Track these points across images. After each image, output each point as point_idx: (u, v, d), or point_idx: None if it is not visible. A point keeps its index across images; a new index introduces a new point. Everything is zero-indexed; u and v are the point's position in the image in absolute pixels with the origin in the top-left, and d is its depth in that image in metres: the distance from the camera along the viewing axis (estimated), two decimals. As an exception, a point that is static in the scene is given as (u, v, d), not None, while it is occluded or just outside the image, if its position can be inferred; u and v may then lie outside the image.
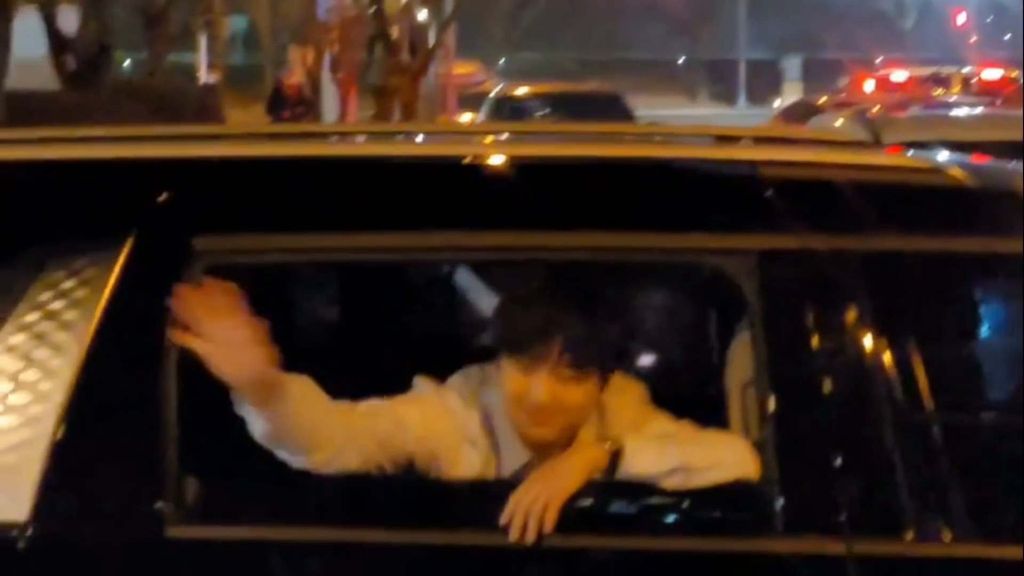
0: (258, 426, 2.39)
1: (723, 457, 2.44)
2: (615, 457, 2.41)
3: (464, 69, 31.97)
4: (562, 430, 2.56)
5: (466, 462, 2.61)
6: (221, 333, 2.29)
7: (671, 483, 2.39)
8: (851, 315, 2.38)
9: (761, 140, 2.85)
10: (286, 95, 18.52)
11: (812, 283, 2.40)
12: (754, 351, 2.41)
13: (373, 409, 2.56)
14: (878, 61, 35.83)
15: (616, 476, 2.40)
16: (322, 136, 2.96)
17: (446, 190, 2.53)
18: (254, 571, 2.35)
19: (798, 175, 2.58)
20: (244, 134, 3.13)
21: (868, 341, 2.36)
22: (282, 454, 2.44)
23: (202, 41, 26.95)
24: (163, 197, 2.45)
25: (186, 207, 2.46)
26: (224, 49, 27.01)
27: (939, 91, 25.99)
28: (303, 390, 2.42)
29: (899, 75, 31.01)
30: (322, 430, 2.44)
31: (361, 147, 2.73)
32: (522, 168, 2.56)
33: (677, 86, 42.48)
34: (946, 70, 30.19)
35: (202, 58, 26.79)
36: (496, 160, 2.61)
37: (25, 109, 13.74)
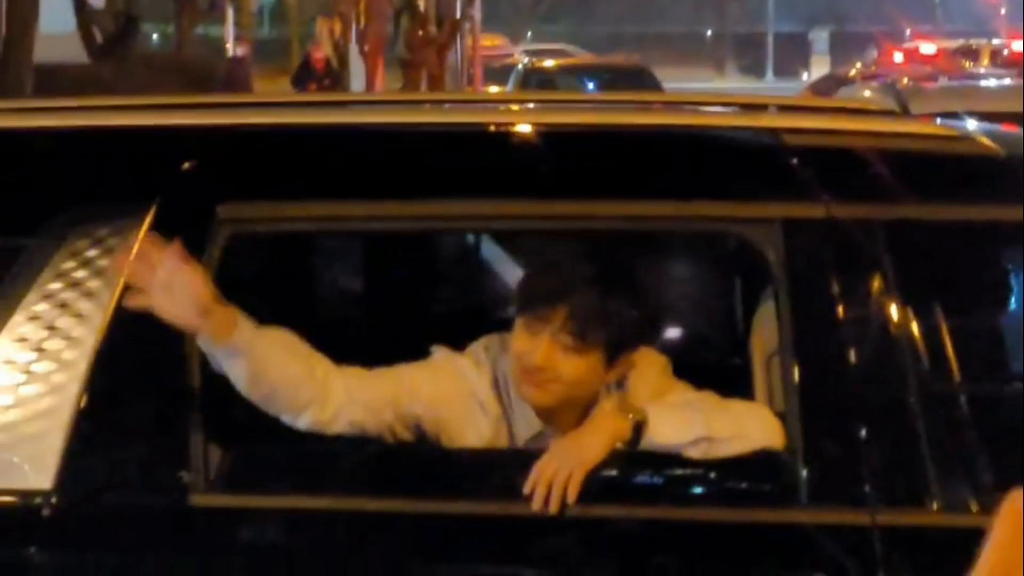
0: (235, 370, 2.37)
1: (747, 427, 2.43)
2: (639, 428, 2.40)
3: (491, 42, 31.91)
4: (559, 399, 2.54)
5: (474, 428, 2.61)
6: (157, 280, 2.30)
7: (695, 453, 2.38)
8: (877, 284, 2.36)
9: (786, 108, 2.82)
10: (313, 68, 18.51)
11: (838, 252, 2.38)
12: (779, 321, 2.39)
13: (381, 372, 2.56)
14: (907, 33, 35.59)
15: (640, 447, 2.40)
16: (346, 104, 2.94)
17: (470, 158, 2.52)
18: (278, 540, 2.36)
19: (823, 143, 2.55)
20: (268, 102, 3.12)
21: (894, 311, 2.35)
22: (282, 414, 2.43)
23: (230, 14, 26.95)
24: (187, 165, 2.45)
25: (210, 175, 2.46)
26: (252, 22, 26.99)
27: (968, 63, 25.83)
28: (278, 336, 2.42)
29: (928, 47, 30.84)
30: (312, 383, 2.43)
31: (385, 114, 2.71)
32: (545, 137, 2.55)
33: (705, 59, 42.31)
34: (975, 42, 30.00)
35: (230, 31, 26.79)
36: (519, 129, 2.60)
37: (53, 82, 13.77)
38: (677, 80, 26.86)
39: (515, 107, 2.86)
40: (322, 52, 19.07)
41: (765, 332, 2.57)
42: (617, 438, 2.41)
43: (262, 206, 2.45)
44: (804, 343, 2.35)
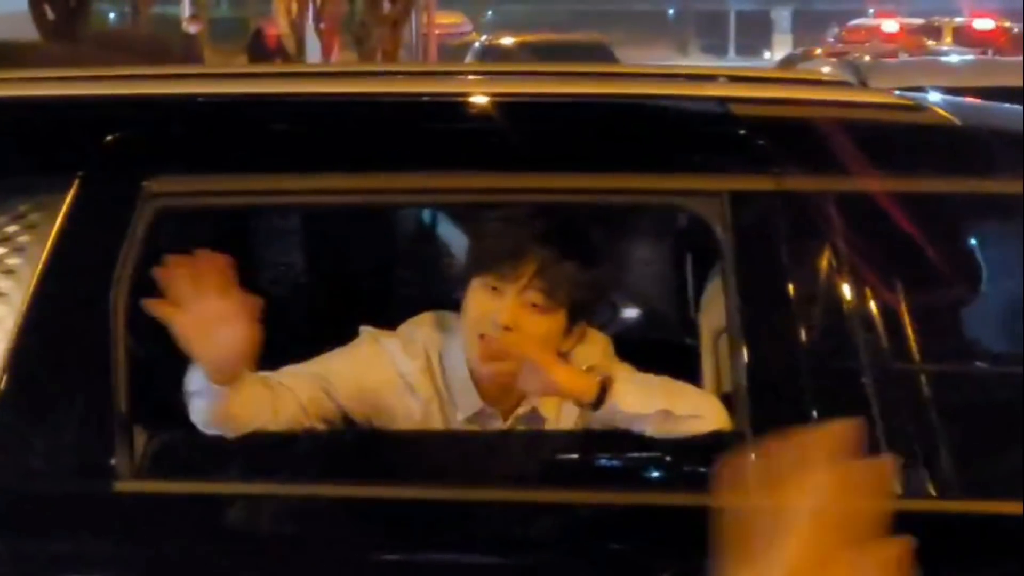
0: (209, 404, 2.29)
1: (702, 407, 2.35)
2: (603, 389, 2.32)
3: (448, 19, 31.70)
4: (515, 370, 2.46)
5: (405, 412, 2.53)
6: (203, 308, 2.19)
7: (652, 427, 2.30)
8: (828, 259, 2.27)
9: (737, 79, 2.73)
10: (267, 44, 18.34)
11: (788, 226, 2.29)
12: (726, 298, 2.31)
13: (297, 373, 2.47)
14: (870, 12, 35.62)
15: (602, 408, 2.31)
16: (279, 75, 2.84)
17: (415, 129, 2.42)
18: (205, 526, 2.26)
19: (773, 112, 2.47)
20: (198, 73, 3.01)
21: (846, 287, 2.26)
22: (205, 428, 2.34)
23: (186, -8, 26.72)
24: (111, 137, 2.34)
25: (136, 147, 2.35)
26: (208, 1, 26.77)
27: (931, 41, 25.87)
28: (254, 378, 2.35)
29: (890, 25, 30.88)
30: (254, 413, 2.36)
31: (322, 84, 2.61)
32: (489, 107, 2.45)
33: (667, 38, 42.23)
34: (938, 20, 30.04)
35: (186, 10, 26.55)
36: (465, 99, 2.49)
37: (4, 59, 13.56)
38: (639, 59, 26.78)
39: (461, 77, 2.75)
40: (275, 28, 18.88)
41: (713, 310, 2.49)
42: (583, 392, 2.33)
43: (191, 180, 2.35)
44: (752, 321, 2.27)
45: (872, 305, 2.25)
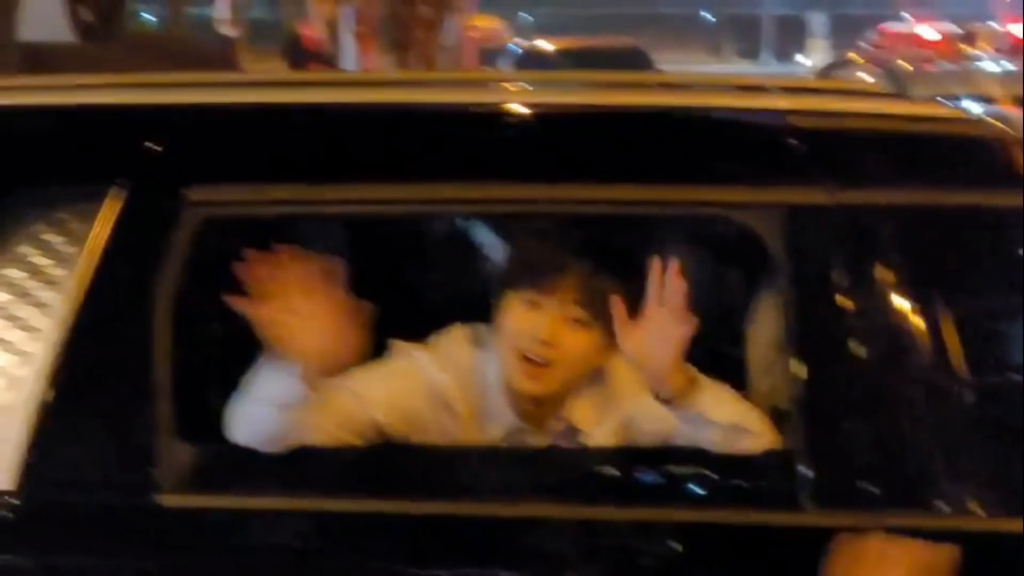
0: (277, 413, 2.25)
1: (759, 422, 2.31)
2: (690, 387, 2.26)
3: (484, 23, 31.70)
4: (554, 387, 2.41)
5: (438, 428, 2.48)
6: (298, 304, 2.17)
7: (722, 437, 2.26)
8: (884, 274, 2.23)
9: (788, 90, 2.69)
10: (305, 47, 18.34)
11: (844, 240, 2.25)
12: (780, 312, 2.26)
13: (331, 390, 2.42)
14: (905, 17, 35.43)
15: (683, 407, 2.26)
16: (324, 84, 2.80)
17: (458, 140, 2.38)
18: (248, 542, 2.23)
19: (829, 125, 2.42)
20: (243, 82, 2.98)
21: (902, 301, 2.22)
22: (241, 437, 2.31)
23: (222, -5, 26.77)
24: (154, 145, 2.31)
25: (179, 156, 2.32)
26: (244, 3, 26.83)
27: (966, 47, 25.73)
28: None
29: (927, 31, 30.72)
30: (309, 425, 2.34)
31: (367, 93, 2.57)
32: (537, 117, 2.41)
33: (701, 42, 42.13)
34: (973, 26, 29.87)
35: (222, 12, 26.59)
36: (511, 109, 2.44)
37: (39, 61, 13.58)
38: (673, 63, 26.73)
39: (507, 87, 2.71)
40: (312, 31, 18.89)
41: (763, 324, 2.44)
42: (675, 378, 2.27)
43: (234, 189, 2.32)
44: (806, 336, 2.23)
45: (929, 321, 2.21)
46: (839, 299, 2.22)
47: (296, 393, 2.25)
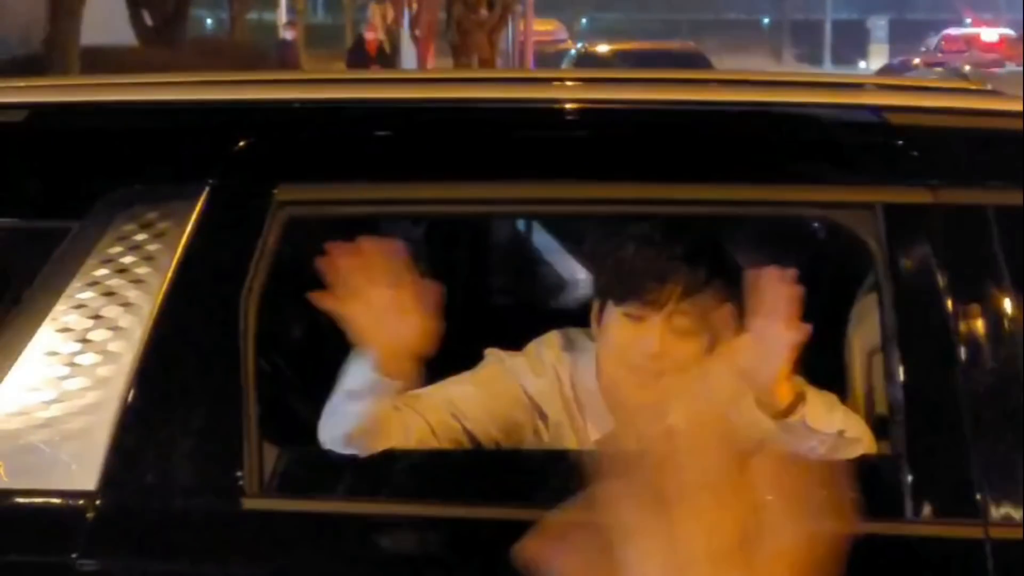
0: (360, 407, 2.21)
1: (861, 429, 2.26)
2: (797, 400, 2.22)
3: (544, 27, 31.68)
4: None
5: (533, 434, 2.46)
6: (374, 296, 2.13)
7: (827, 446, 2.20)
8: (987, 274, 2.16)
9: (886, 88, 2.62)
10: (367, 51, 18.39)
11: (945, 239, 2.19)
12: (881, 315, 2.20)
13: (422, 397, 2.40)
14: (967, 21, 35.13)
15: (790, 419, 2.22)
16: (415, 81, 2.76)
17: (544, 137, 2.33)
18: (334, 546, 2.19)
19: (929, 122, 2.35)
20: (328, 79, 2.95)
21: (1006, 302, 2.16)
22: (327, 434, 2.27)
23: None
24: (242, 144, 2.28)
25: (267, 154, 2.29)
26: (304, 7, 26.94)
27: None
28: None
29: (989, 34, 30.45)
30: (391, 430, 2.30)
31: (455, 90, 2.52)
32: (629, 115, 2.36)
33: (762, 46, 41.95)
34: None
35: (282, 16, 26.73)
36: (600, 106, 2.39)
37: (100, 65, 13.68)
38: (734, 68, 26.60)
39: (594, 83, 2.66)
40: (374, 34, 18.94)
41: (865, 328, 2.38)
42: (783, 393, 2.22)
43: (322, 188, 2.28)
44: (909, 339, 2.16)
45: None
46: (941, 300, 2.15)
47: (372, 382, 2.22)
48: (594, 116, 2.37)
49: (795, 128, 2.35)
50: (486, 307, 3.05)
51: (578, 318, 2.58)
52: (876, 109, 2.34)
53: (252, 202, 2.23)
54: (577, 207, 2.36)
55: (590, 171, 2.28)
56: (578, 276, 3.07)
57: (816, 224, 2.66)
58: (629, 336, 2.38)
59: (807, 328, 2.18)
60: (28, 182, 2.33)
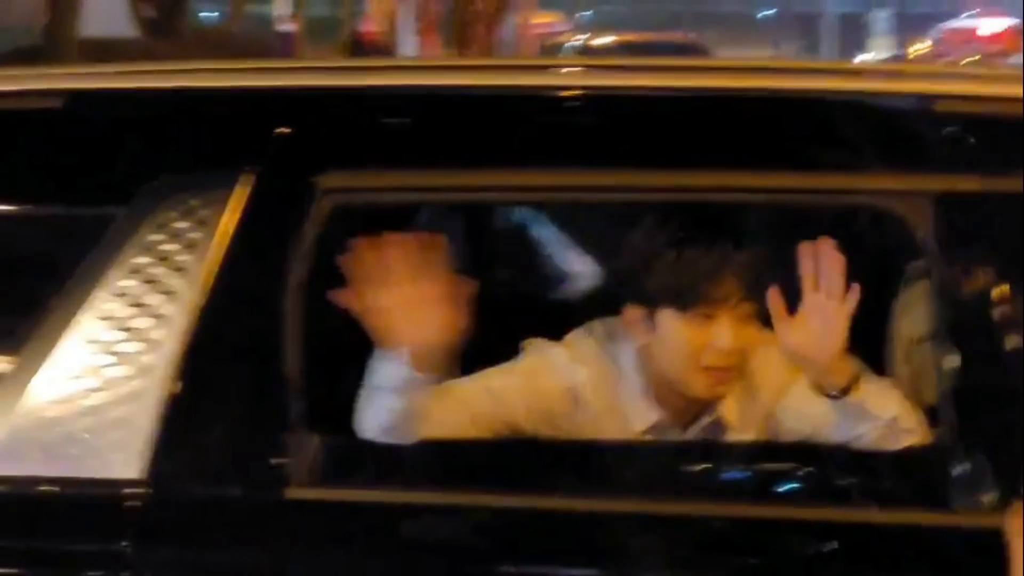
0: (394, 401, 2.22)
1: (915, 418, 2.24)
2: (856, 377, 2.22)
3: (544, 19, 31.62)
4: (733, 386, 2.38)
5: (574, 425, 2.45)
6: (402, 291, 2.12)
7: (879, 433, 2.20)
8: None
9: (932, 75, 2.60)
10: (364, 43, 18.38)
11: (996, 228, 2.17)
12: (931, 304, 2.19)
13: (462, 387, 2.41)
14: (971, 13, 35.05)
15: (846, 399, 2.22)
16: (456, 68, 2.73)
17: (586, 124, 2.31)
18: (378, 536, 2.17)
19: (980, 109, 2.32)
20: (372, 66, 2.92)
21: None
22: (365, 427, 2.28)
23: (281, -8, 26.83)
24: (284, 131, 2.26)
25: (309, 142, 2.27)
26: (303, 1, 26.89)
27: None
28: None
29: (990, 26, 30.40)
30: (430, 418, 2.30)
31: (499, 76, 2.49)
32: (674, 103, 2.34)
33: (763, 38, 41.87)
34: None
35: (278, 9, 26.66)
36: (648, 94, 2.36)
37: (100, 57, 13.63)
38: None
39: (642, 69, 2.63)
40: (371, 27, 18.91)
41: (911, 317, 2.37)
42: (840, 371, 2.23)
43: (364, 175, 2.26)
44: (960, 329, 2.15)
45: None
46: (991, 289, 2.14)
47: (406, 379, 2.23)
48: (666, 104, 2.34)
49: (844, 116, 2.33)
50: (521, 298, 3.04)
51: (610, 309, 2.56)
52: (926, 96, 2.32)
53: (295, 190, 2.22)
54: (644, 195, 2.34)
55: (659, 159, 2.26)
56: (606, 269, 3.05)
57: (859, 213, 2.65)
58: (700, 337, 2.37)
59: (856, 290, 2.18)
60: (69, 169, 2.32)
